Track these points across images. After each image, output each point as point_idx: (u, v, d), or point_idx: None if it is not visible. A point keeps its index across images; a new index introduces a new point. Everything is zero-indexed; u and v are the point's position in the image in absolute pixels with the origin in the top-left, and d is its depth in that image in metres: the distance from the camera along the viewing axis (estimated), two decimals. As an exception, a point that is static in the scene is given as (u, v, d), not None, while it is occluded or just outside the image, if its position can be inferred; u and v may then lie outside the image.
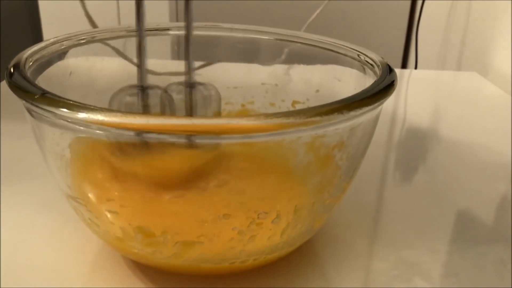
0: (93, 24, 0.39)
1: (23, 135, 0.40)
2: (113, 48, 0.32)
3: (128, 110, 0.26)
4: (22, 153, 0.37)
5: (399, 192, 0.35)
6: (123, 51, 0.32)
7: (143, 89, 0.26)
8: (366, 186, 0.35)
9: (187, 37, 0.28)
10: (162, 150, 0.20)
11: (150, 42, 0.33)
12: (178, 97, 0.29)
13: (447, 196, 0.34)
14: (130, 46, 0.33)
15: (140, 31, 0.26)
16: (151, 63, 0.34)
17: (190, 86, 0.29)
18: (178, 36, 0.34)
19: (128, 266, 0.25)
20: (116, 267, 0.25)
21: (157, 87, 0.27)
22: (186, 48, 0.29)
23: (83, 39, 0.29)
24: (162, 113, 0.27)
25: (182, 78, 0.30)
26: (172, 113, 0.28)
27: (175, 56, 0.36)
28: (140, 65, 0.26)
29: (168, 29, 0.34)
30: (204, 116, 0.28)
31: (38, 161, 0.35)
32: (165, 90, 0.28)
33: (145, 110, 0.26)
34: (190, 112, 0.29)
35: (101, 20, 0.35)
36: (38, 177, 0.33)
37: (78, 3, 0.39)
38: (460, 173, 0.37)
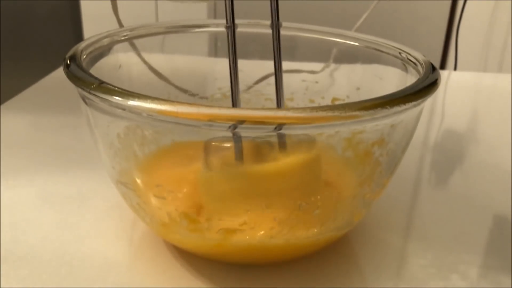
0: (120, 23, 0.40)
1: (66, 127, 0.41)
2: (153, 45, 0.32)
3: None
4: (64, 144, 0.39)
5: (435, 193, 0.35)
6: (171, 47, 0.33)
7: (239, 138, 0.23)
8: (402, 186, 0.35)
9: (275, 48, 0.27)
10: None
11: (187, 38, 0.34)
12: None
13: (484, 198, 0.34)
14: (180, 42, 0.34)
15: (232, 55, 0.25)
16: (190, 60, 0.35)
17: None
18: (216, 33, 0.35)
19: (171, 253, 0.26)
20: (158, 253, 0.26)
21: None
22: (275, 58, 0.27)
23: (134, 34, 0.31)
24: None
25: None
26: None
27: (212, 53, 0.37)
28: (233, 88, 0.25)
29: (206, 26, 0.35)
30: (250, 107, 0.28)
31: (82, 152, 0.36)
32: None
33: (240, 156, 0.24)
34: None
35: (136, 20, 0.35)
36: (83, 166, 0.35)
37: (118, 3, 0.40)
38: (497, 177, 0.37)
